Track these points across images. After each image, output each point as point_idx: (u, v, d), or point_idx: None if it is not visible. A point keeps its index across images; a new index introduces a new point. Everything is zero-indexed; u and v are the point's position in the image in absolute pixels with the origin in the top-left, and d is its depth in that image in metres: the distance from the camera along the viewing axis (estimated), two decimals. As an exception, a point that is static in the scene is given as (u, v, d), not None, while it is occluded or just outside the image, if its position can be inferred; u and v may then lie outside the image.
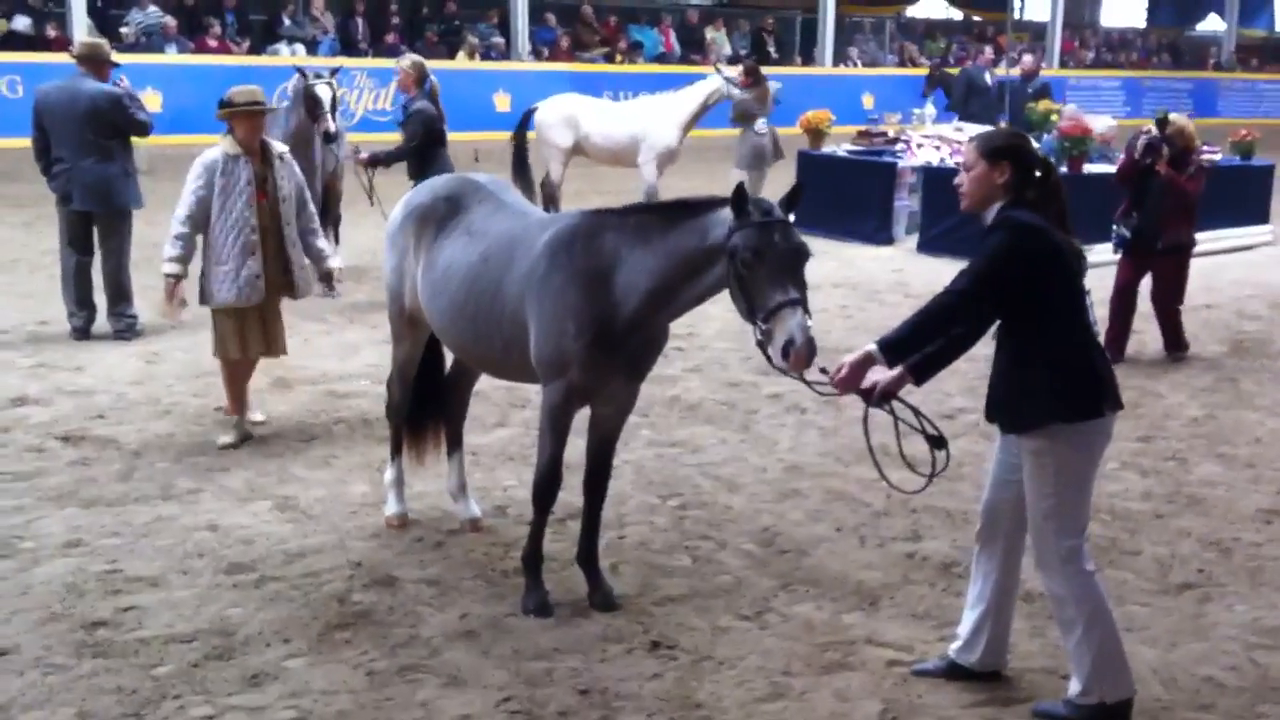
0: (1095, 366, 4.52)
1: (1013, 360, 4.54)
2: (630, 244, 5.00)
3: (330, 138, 10.77)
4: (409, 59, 10.89)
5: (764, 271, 4.56)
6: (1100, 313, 9.99)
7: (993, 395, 4.64)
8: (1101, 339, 9.30)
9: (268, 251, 7.27)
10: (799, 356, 4.48)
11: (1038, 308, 4.44)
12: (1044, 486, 4.48)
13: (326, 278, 7.70)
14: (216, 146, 7.30)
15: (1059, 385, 4.43)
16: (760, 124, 14.49)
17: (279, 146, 7.51)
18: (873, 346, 4.43)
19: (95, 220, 9.62)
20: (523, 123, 14.34)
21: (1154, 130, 9.55)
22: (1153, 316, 9.92)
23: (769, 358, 4.61)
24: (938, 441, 4.64)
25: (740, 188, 4.71)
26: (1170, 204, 9.41)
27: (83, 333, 9.57)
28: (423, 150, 10.01)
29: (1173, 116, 9.72)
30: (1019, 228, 4.44)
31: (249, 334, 7.37)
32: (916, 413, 4.61)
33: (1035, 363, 4.46)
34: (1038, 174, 4.53)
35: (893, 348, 4.44)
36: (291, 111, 10.98)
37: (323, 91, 10.75)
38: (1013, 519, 4.72)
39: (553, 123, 14.28)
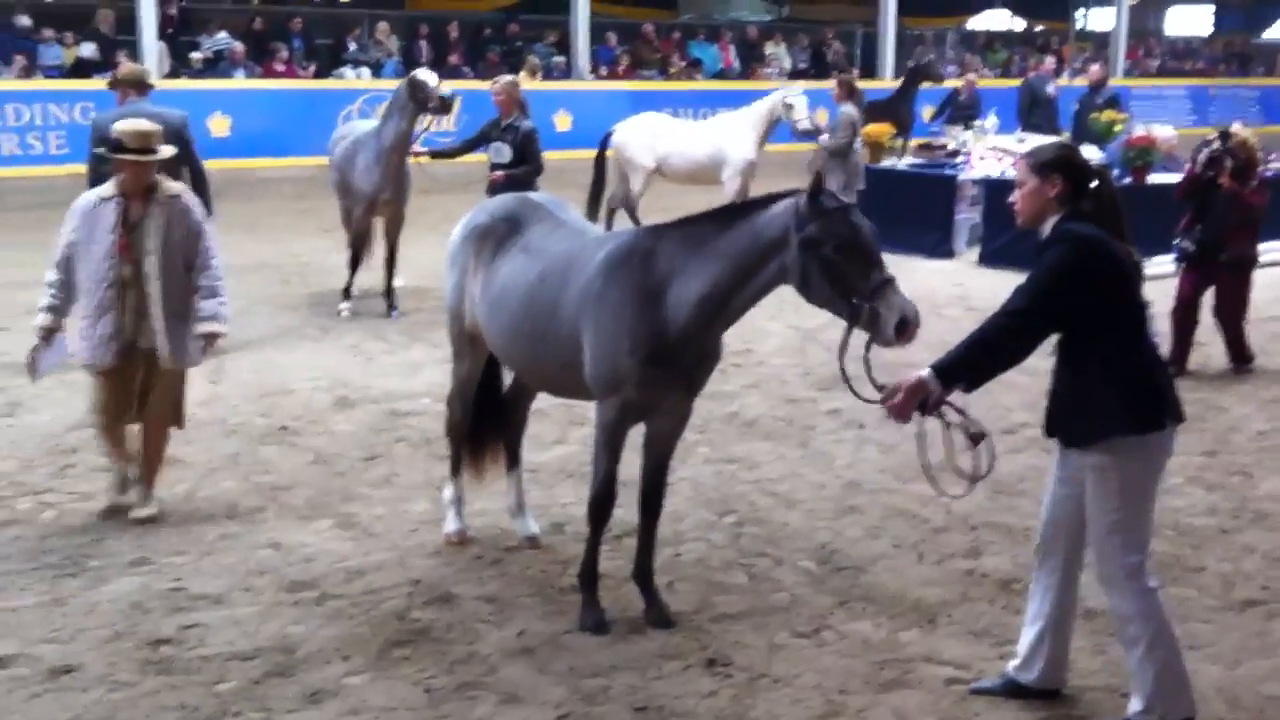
0: (1155, 378, 4.48)
1: (1072, 374, 4.50)
2: (684, 255, 5.06)
3: (447, 106, 10.95)
4: (506, 79, 11.06)
5: (857, 254, 4.68)
6: (1161, 326, 9.88)
7: (1052, 409, 4.61)
8: (1164, 352, 9.20)
9: (132, 309, 6.32)
10: (914, 330, 4.63)
11: (1097, 321, 4.40)
12: (1107, 501, 4.44)
13: (207, 340, 6.49)
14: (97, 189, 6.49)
15: (1119, 398, 4.39)
16: (858, 142, 14.31)
17: (173, 188, 6.50)
18: (927, 372, 4.38)
19: None
20: (603, 145, 14.53)
21: (1217, 143, 9.43)
22: (1216, 329, 9.79)
23: (875, 336, 4.66)
24: (977, 437, 4.50)
25: (819, 177, 4.85)
26: (1234, 217, 9.30)
27: None
28: (534, 173, 10.36)
29: (1235, 129, 9.60)
30: (1076, 241, 4.40)
31: (112, 397, 6.47)
32: (961, 414, 4.52)
33: (1095, 376, 4.42)
34: (1091, 184, 4.50)
35: (949, 373, 4.39)
36: (388, 121, 11.10)
37: (427, 74, 11.09)
38: (1072, 535, 4.67)
39: (634, 143, 14.44)
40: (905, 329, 4.60)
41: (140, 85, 9.83)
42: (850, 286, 4.67)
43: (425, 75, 11.08)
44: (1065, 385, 4.54)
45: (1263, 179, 9.62)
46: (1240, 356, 9.76)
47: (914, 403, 4.41)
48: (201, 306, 6.43)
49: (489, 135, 10.77)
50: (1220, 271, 9.46)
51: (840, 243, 4.67)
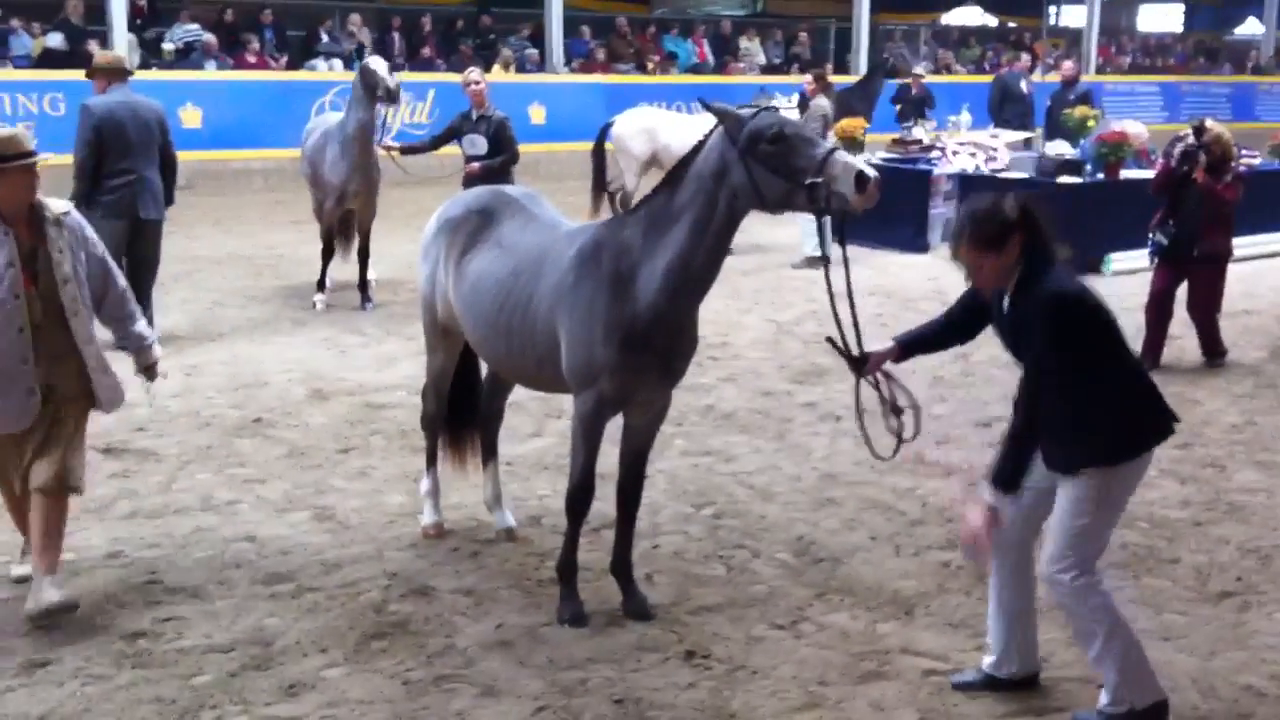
0: (1141, 402, 4.52)
1: (1057, 405, 4.47)
2: (649, 235, 5.09)
3: (393, 96, 10.82)
4: (478, 72, 11.03)
5: (791, 139, 4.77)
6: (1136, 319, 9.92)
7: (1044, 444, 4.58)
8: (1137, 348, 9.23)
9: (46, 354, 5.24)
10: (876, 182, 4.64)
11: (1086, 362, 4.42)
12: (1079, 509, 4.46)
13: (148, 371, 5.72)
14: None
15: (1107, 430, 4.43)
16: (830, 135, 14.34)
17: (57, 206, 5.34)
18: (988, 491, 4.49)
19: (149, 230, 9.72)
20: (601, 136, 14.60)
21: (1191, 138, 9.49)
22: (1190, 323, 9.85)
23: (839, 203, 4.66)
24: (898, 410, 4.93)
25: (708, 104, 5.02)
26: (1207, 212, 9.35)
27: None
28: (511, 162, 10.38)
29: (1209, 124, 9.65)
30: (1067, 305, 4.37)
31: (11, 458, 5.40)
32: (893, 383, 4.95)
33: (1082, 408, 4.43)
34: (1041, 227, 4.45)
35: (1008, 482, 4.47)
36: (351, 112, 11.05)
37: (378, 62, 10.94)
38: (1024, 527, 4.71)
39: (631, 134, 14.55)
40: (865, 183, 4.62)
41: (121, 72, 9.79)
42: (798, 168, 4.73)
43: (375, 63, 10.95)
44: (1049, 415, 4.49)
45: (1236, 174, 9.67)
46: (1213, 350, 9.84)
47: (991, 524, 4.50)
48: (131, 335, 5.61)
49: (460, 129, 10.76)
50: (1194, 266, 9.51)
51: (774, 134, 4.75)
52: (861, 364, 4.95)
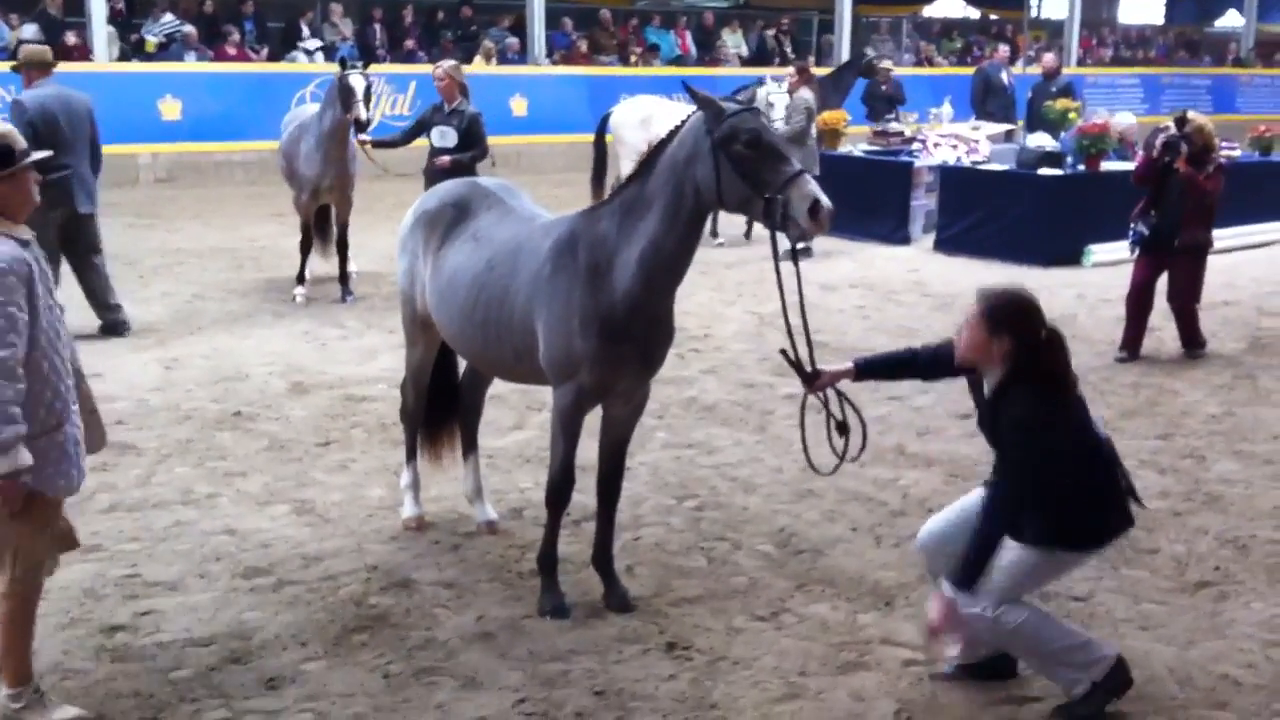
0: (1102, 499, 4.56)
1: (1020, 487, 4.52)
2: (623, 224, 5.08)
3: (362, 126, 10.75)
4: (449, 64, 10.97)
5: (765, 149, 4.75)
6: (1117, 310, 9.95)
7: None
8: (1117, 339, 9.25)
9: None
10: (828, 214, 4.67)
11: (1050, 470, 4.47)
12: (1017, 570, 4.52)
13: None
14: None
15: (1061, 520, 4.49)
16: (813, 127, 14.32)
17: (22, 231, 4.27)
18: (950, 593, 4.51)
19: (87, 224, 9.73)
20: (601, 126, 14.62)
21: (1173, 129, 9.52)
22: (1170, 314, 9.89)
23: (787, 225, 4.72)
24: (842, 427, 5.03)
25: (693, 90, 4.98)
26: (1189, 203, 9.38)
27: (127, 325, 9.84)
28: (480, 157, 10.34)
29: (1191, 115, 9.68)
30: (1042, 431, 4.40)
31: (54, 528, 4.47)
32: (843, 400, 5.03)
33: (1040, 496, 4.48)
34: (1041, 338, 4.48)
35: (966, 582, 4.49)
36: (327, 109, 10.99)
37: (356, 81, 10.74)
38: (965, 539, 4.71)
39: (628, 124, 14.52)
40: (818, 212, 4.65)
41: (45, 66, 9.75)
42: (763, 180, 4.72)
43: (355, 82, 10.73)
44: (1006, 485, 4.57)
45: (1218, 165, 9.70)
46: (1192, 341, 9.87)
47: (952, 618, 4.53)
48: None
49: (431, 121, 10.73)
50: (1175, 256, 9.55)
51: (751, 138, 4.74)
52: (812, 379, 5.02)
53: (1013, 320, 4.47)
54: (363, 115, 10.67)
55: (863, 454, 5.11)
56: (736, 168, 4.75)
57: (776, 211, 4.70)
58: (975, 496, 4.79)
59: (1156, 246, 9.52)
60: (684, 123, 5.02)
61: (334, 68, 11.65)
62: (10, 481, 4.08)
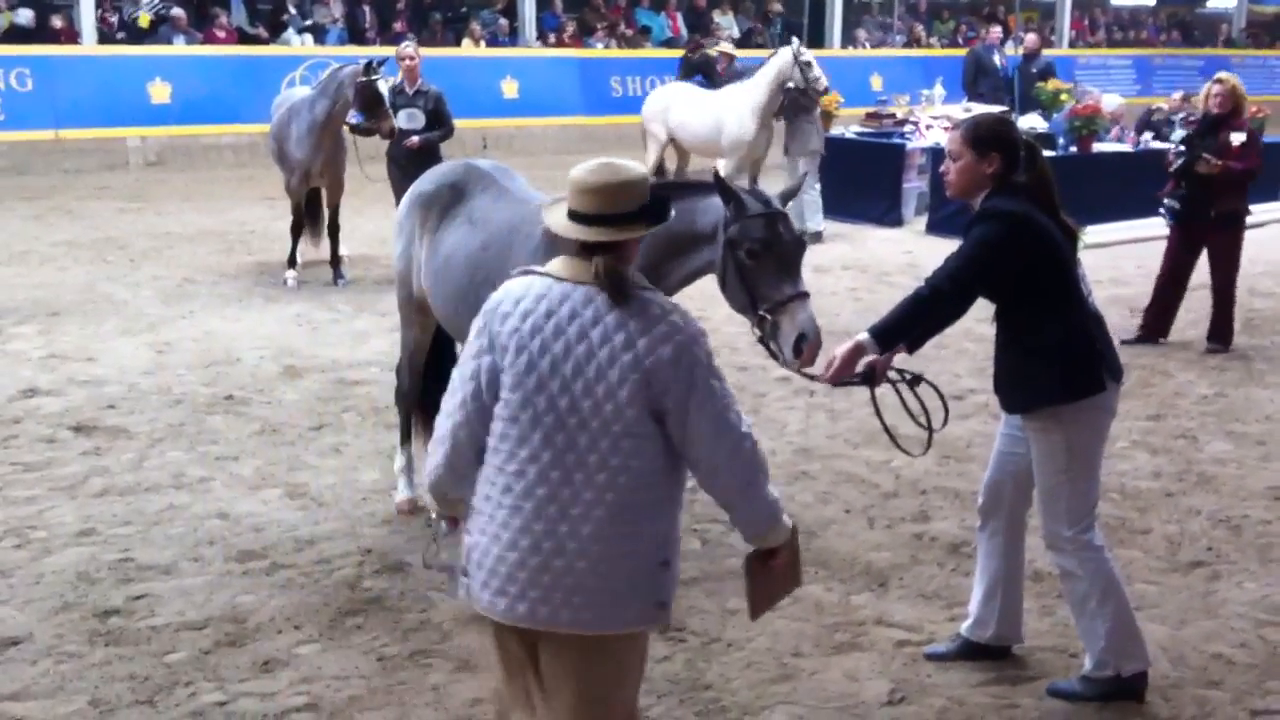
0: (1092, 342, 4.50)
1: (1010, 343, 4.55)
2: None
3: (390, 134, 10.62)
4: (413, 46, 10.97)
5: (771, 264, 4.57)
6: (1111, 291, 9.92)
7: (996, 378, 4.66)
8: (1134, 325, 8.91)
9: None
10: (812, 351, 4.52)
11: (1030, 293, 4.44)
12: (1052, 462, 4.49)
13: None
14: None
15: (1057, 366, 4.43)
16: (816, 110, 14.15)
17: None
18: (864, 336, 4.37)
19: None
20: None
21: (1178, 128, 9.36)
22: (1210, 295, 9.61)
23: (773, 350, 4.62)
24: (916, 381, 4.54)
25: (718, 176, 4.71)
26: (1219, 177, 9.08)
27: None
28: (446, 136, 10.39)
29: (1223, 76, 9.43)
30: (1005, 217, 4.40)
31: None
32: (916, 380, 4.54)
33: (1031, 345, 4.46)
34: (1024, 159, 4.50)
35: (884, 336, 4.39)
36: (321, 99, 10.88)
37: (384, 88, 10.56)
38: (1015, 495, 4.74)
39: (650, 114, 14.64)
40: (803, 348, 4.52)
41: None
42: (761, 294, 4.60)
43: (383, 87, 10.48)
44: (1004, 354, 4.59)
45: (1251, 135, 9.29)
46: (1221, 334, 9.53)
47: (853, 366, 4.37)
48: None
49: (396, 104, 10.73)
50: (1212, 229, 9.26)
51: (757, 248, 4.57)
52: (870, 376, 4.56)
53: (996, 137, 4.50)
54: (393, 125, 10.54)
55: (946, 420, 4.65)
56: (739, 273, 4.63)
57: (766, 329, 4.60)
58: (1004, 441, 4.75)
59: (1190, 217, 9.23)
60: (711, 187, 4.73)
61: (323, 50, 11.60)
62: None
